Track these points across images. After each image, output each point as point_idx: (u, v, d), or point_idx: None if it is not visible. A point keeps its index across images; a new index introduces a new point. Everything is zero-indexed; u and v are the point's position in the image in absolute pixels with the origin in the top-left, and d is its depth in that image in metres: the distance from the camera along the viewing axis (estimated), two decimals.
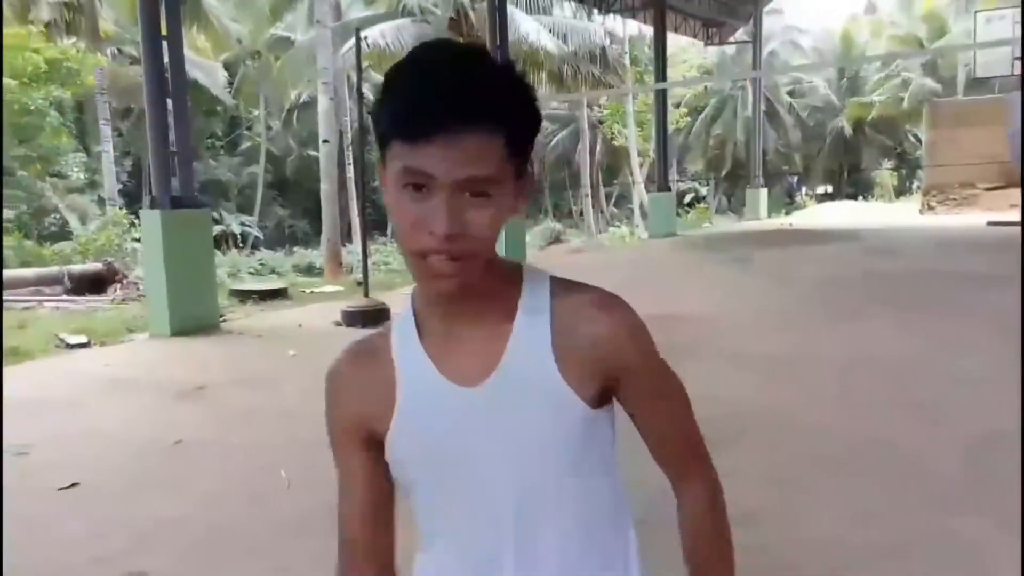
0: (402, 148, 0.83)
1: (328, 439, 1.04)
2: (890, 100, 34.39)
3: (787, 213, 29.25)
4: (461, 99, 0.81)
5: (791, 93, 38.14)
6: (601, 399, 0.97)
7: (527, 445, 0.94)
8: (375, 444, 0.99)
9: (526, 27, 21.41)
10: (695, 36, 24.36)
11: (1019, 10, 16.58)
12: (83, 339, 7.71)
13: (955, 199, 21.03)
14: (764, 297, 8.82)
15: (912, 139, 37.86)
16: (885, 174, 40.09)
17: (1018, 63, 17.78)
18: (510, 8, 16.63)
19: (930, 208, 21.45)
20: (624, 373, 0.97)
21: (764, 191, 24.78)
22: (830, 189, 42.29)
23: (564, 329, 0.94)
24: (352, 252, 18.57)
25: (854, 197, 38.14)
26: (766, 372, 5.57)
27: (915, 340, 6.25)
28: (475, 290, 0.90)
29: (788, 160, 39.23)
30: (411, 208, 0.84)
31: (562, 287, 0.97)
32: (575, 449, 0.96)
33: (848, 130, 37.53)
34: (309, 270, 19.56)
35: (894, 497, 3.43)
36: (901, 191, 39.59)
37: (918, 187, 30.49)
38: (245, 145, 31.44)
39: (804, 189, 42.54)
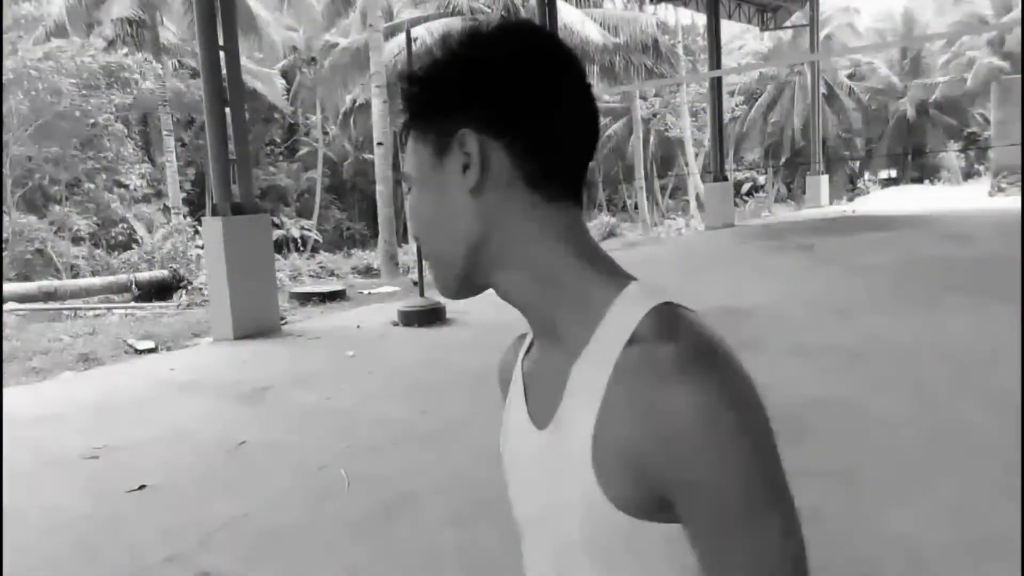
0: None
1: None
2: (955, 80, 33.26)
3: (849, 199, 28.52)
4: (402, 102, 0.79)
5: (851, 76, 37.15)
6: (661, 508, 0.66)
7: (559, 524, 0.72)
8: None
9: (575, 21, 21.30)
10: (750, 22, 23.91)
11: None
12: (150, 344, 7.90)
13: None
14: (829, 287, 8.61)
15: (980, 119, 36.54)
16: (952, 156, 38.77)
17: None
18: (560, 3, 16.54)
19: (1000, 190, 20.72)
20: (678, 489, 0.63)
21: (824, 178, 24.22)
22: (894, 173, 41.10)
23: (615, 400, 0.66)
24: (408, 252, 18.73)
25: (919, 181, 37.03)
26: (834, 364, 5.42)
27: (988, 328, 6.02)
28: (514, 300, 0.75)
29: (849, 145, 38.21)
30: None
31: (655, 326, 0.66)
32: (613, 563, 0.69)
33: (911, 112, 36.41)
34: (367, 271, 19.84)
35: (969, 490, 3.29)
36: (969, 173, 38.25)
37: (987, 169, 29.44)
38: (303, 151, 31.97)
39: (867, 174, 41.38)
